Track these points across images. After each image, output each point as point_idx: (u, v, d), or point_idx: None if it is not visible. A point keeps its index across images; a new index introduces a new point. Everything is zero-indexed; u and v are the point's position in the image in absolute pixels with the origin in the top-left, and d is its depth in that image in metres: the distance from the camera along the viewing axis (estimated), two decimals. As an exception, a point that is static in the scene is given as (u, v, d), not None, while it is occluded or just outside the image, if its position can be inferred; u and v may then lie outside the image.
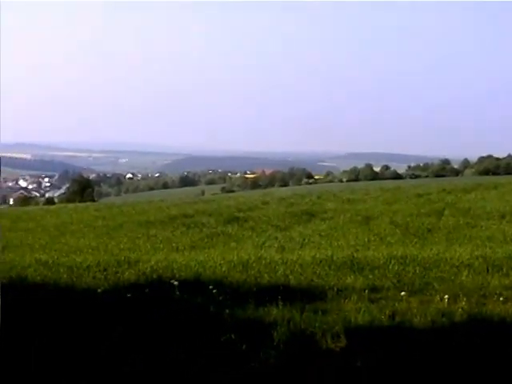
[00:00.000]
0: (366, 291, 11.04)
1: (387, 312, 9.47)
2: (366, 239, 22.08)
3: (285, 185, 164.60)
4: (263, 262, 14.64)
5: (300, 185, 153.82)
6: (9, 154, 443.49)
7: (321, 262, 14.41)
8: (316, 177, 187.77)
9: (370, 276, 12.82)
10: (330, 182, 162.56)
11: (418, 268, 13.59)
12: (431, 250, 16.74)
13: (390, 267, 13.70)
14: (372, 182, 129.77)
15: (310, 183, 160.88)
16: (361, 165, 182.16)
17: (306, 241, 22.42)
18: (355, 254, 15.17)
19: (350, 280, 12.38)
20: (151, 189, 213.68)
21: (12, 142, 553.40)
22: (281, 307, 9.45)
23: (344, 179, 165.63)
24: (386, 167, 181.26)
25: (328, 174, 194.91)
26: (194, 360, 7.52)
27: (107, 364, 7.43)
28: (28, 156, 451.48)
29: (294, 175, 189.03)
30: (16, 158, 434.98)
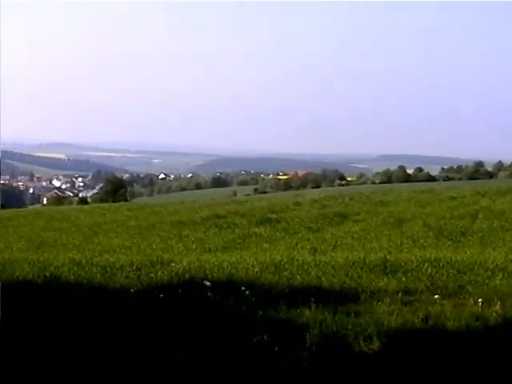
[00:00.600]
0: (399, 294, 10.96)
1: (420, 315, 9.40)
2: (399, 242, 22.02)
3: (317, 186, 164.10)
4: (296, 263, 14.61)
5: (332, 186, 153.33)
6: (43, 154, 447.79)
7: (353, 264, 14.36)
8: (348, 178, 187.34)
9: (403, 279, 12.74)
10: (363, 183, 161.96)
11: (451, 271, 13.49)
12: (465, 253, 16.66)
13: (424, 270, 13.60)
14: (405, 184, 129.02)
15: (343, 185, 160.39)
16: (393, 167, 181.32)
17: (339, 243, 22.41)
18: (388, 257, 15.09)
19: (382, 282, 12.32)
20: (183, 189, 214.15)
21: (47, 142, 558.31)
22: (313, 309, 9.42)
23: (376, 181, 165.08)
24: (419, 169, 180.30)
25: (360, 175, 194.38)
26: (226, 360, 7.52)
27: (139, 363, 7.46)
28: (62, 156, 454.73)
29: (326, 177, 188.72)
30: (50, 158, 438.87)
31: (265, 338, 8.12)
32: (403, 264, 14.31)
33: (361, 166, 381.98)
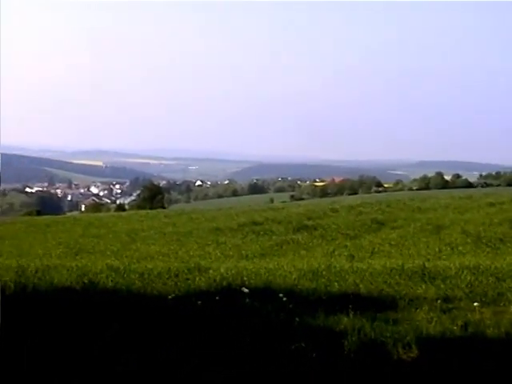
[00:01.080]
0: (438, 301, 10.90)
1: (459, 323, 9.33)
2: (437, 249, 21.89)
3: (354, 193, 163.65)
4: (333, 270, 14.58)
5: (369, 193, 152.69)
6: (81, 161, 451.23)
7: (391, 271, 14.30)
8: (385, 185, 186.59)
9: (442, 286, 12.66)
10: (400, 190, 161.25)
11: (490, 278, 13.37)
12: (504, 259, 16.52)
13: (462, 277, 13.51)
14: (442, 190, 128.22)
15: (380, 191, 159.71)
16: (431, 173, 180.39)
17: (376, 249, 22.33)
18: (426, 264, 15.00)
19: (421, 290, 12.24)
20: (220, 196, 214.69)
21: (85, 149, 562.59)
22: (351, 316, 9.37)
23: (414, 187, 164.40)
24: (457, 176, 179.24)
25: (398, 182, 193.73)
26: (264, 368, 7.52)
27: (178, 370, 7.48)
28: (100, 163, 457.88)
29: (363, 183, 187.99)
30: (88, 165, 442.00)
31: (303, 344, 8.10)
32: (442, 271, 14.23)
33: (398, 172, 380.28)
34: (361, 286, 12.66)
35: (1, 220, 58.38)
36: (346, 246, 24.06)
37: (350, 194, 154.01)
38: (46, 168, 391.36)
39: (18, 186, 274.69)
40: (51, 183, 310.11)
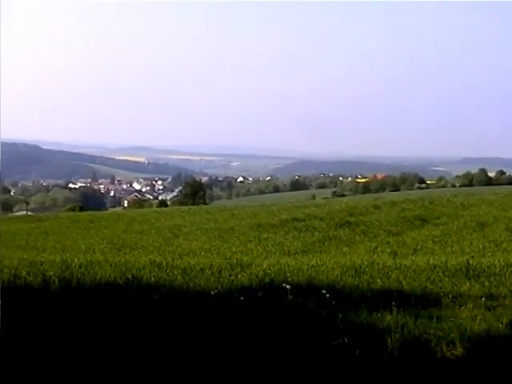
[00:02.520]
0: (483, 299, 10.79)
1: (505, 320, 9.22)
2: (481, 246, 21.67)
3: (396, 189, 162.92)
4: (376, 266, 14.51)
5: (411, 190, 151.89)
6: (124, 157, 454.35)
7: (435, 267, 14.21)
8: (428, 182, 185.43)
9: (486, 283, 12.54)
10: (443, 187, 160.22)
11: (536, 276, 13.23)
12: (549, 257, 16.30)
13: (507, 275, 13.38)
14: (486, 187, 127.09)
15: (422, 188, 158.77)
16: (474, 170, 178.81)
17: (419, 246, 22.18)
18: (470, 261, 14.86)
19: (465, 287, 12.14)
20: (262, 192, 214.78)
21: (128, 145, 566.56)
22: (394, 313, 9.31)
23: (457, 184, 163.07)
24: (501, 172, 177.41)
25: (440, 178, 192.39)
26: (306, 363, 7.50)
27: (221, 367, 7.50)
28: (142, 159, 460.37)
29: (405, 180, 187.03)
30: (131, 161, 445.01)
31: (346, 341, 8.08)
32: (486, 268, 14.10)
33: (441, 169, 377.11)
34: (404, 282, 12.59)
35: (45, 215, 58.97)
36: (389, 243, 23.93)
37: (392, 191, 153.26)
38: (89, 164, 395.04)
39: (62, 181, 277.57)
40: (94, 179, 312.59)
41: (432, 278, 13.10)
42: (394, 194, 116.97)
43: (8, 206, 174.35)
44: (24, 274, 13.81)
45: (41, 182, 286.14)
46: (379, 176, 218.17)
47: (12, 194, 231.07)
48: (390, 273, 13.75)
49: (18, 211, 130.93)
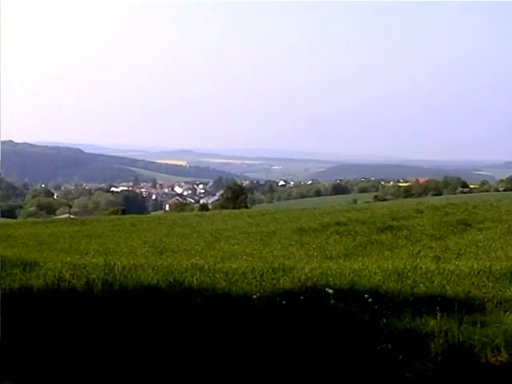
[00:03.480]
0: (528, 304, 10.68)
1: (550, 326, 9.12)
2: (526, 251, 21.38)
3: (439, 194, 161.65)
4: (419, 271, 14.41)
5: (454, 194, 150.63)
6: (165, 161, 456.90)
7: (479, 272, 14.07)
8: (471, 186, 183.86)
9: (532, 289, 12.39)
10: (486, 191, 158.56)
11: None
12: None
13: (553, 281, 13.21)
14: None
15: (465, 192, 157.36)
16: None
17: (463, 251, 21.95)
18: (515, 266, 14.71)
19: (509, 292, 11.98)
20: (303, 196, 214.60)
21: (170, 149, 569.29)
22: (438, 318, 9.24)
23: (501, 188, 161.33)
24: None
25: (484, 183, 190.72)
26: (349, 368, 7.48)
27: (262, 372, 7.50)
28: (184, 163, 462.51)
29: (448, 184, 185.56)
30: (172, 165, 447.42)
31: (389, 346, 8.04)
32: (531, 274, 13.92)
33: (484, 173, 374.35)
34: (447, 287, 12.48)
35: (87, 219, 59.53)
36: (432, 248, 23.73)
37: (434, 195, 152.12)
38: (131, 168, 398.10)
39: (104, 185, 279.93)
40: (136, 183, 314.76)
41: (476, 283, 12.97)
42: (436, 198, 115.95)
43: (51, 209, 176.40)
44: (68, 276, 13.96)
45: (83, 186, 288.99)
46: (421, 180, 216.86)
47: (55, 197, 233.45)
48: (433, 277, 13.64)
49: (61, 214, 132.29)
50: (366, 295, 10.45)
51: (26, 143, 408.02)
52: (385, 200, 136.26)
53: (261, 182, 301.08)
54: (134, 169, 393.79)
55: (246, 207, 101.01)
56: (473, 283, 12.99)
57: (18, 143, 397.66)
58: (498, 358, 7.82)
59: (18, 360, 8.35)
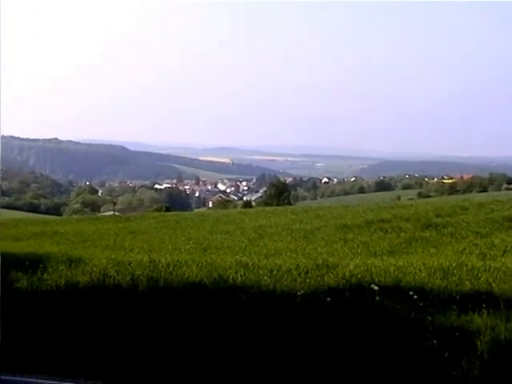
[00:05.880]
0: None
1: None
2: None
3: (484, 190, 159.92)
4: (464, 268, 14.29)
5: (499, 190, 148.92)
6: (209, 158, 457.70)
7: (526, 270, 13.94)
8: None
9: None
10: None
11: None
12: None
13: None
14: None
15: (511, 189, 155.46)
16: None
17: (509, 248, 21.73)
18: None
19: (557, 290, 11.87)
20: (347, 193, 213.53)
21: (213, 146, 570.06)
22: (484, 315, 9.18)
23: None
24: None
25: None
26: (396, 365, 7.46)
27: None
28: (227, 160, 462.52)
29: (493, 181, 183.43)
30: (215, 162, 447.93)
31: (434, 343, 8.00)
32: None
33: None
34: (493, 285, 12.36)
35: (132, 216, 59.92)
36: (477, 245, 23.51)
37: (479, 192, 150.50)
38: (175, 165, 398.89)
39: (148, 182, 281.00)
40: (179, 180, 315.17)
41: (523, 281, 12.86)
42: (481, 194, 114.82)
43: (96, 206, 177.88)
44: (113, 273, 14.09)
45: (127, 183, 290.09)
46: (466, 177, 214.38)
47: (100, 194, 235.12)
48: (478, 275, 13.52)
49: (105, 211, 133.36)
50: (411, 292, 10.41)
51: (70, 141, 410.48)
52: (429, 197, 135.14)
53: (304, 179, 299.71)
54: (177, 166, 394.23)
55: (290, 204, 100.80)
56: (520, 280, 12.87)
57: (62, 141, 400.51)
58: (546, 356, 7.75)
59: (66, 354, 8.45)
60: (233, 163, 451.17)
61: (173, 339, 8.62)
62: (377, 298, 10.40)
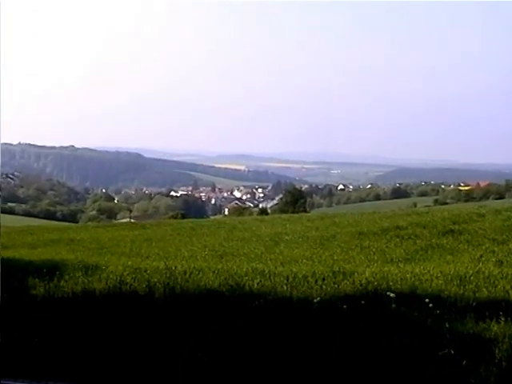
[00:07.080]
0: None
1: None
2: None
3: (500, 197, 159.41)
4: (481, 275, 14.24)
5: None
6: (224, 165, 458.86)
7: (543, 277, 13.86)
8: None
9: None
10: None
11: None
12: None
13: None
14: None
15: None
16: None
17: (526, 255, 21.61)
18: None
19: None
20: (362, 200, 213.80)
21: (228, 153, 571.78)
22: (502, 323, 9.13)
23: None
24: None
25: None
26: (413, 374, 7.44)
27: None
28: (242, 167, 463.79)
29: (510, 187, 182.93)
30: (231, 169, 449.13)
31: (452, 351, 7.96)
32: None
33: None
34: (511, 292, 12.32)
35: (148, 223, 60.00)
36: (494, 252, 23.36)
37: (496, 199, 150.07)
38: (191, 172, 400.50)
39: (164, 189, 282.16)
40: (195, 187, 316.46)
41: (540, 288, 12.79)
42: (498, 201, 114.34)
43: (112, 213, 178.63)
44: (129, 280, 14.12)
45: (143, 190, 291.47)
46: (482, 184, 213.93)
47: (116, 201, 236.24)
48: (495, 282, 13.46)
49: (121, 218, 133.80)
50: (427, 300, 10.37)
51: (86, 148, 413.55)
52: (445, 204, 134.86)
53: (320, 186, 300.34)
54: (193, 173, 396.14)
55: (305, 211, 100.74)
56: (537, 288, 12.80)
57: (78, 148, 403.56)
58: None
59: (84, 359, 8.48)
60: (248, 170, 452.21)
61: (179, 342, 8.65)
62: (393, 305, 10.38)
